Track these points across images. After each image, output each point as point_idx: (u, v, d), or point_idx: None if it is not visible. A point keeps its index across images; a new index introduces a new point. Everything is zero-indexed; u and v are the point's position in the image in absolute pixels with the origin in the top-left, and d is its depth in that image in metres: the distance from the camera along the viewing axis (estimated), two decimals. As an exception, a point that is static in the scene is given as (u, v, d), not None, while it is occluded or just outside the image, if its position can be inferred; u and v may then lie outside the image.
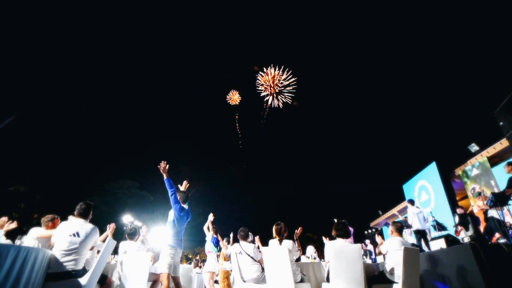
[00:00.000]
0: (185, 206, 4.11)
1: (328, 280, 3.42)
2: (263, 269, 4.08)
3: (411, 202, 7.32)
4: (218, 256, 6.15)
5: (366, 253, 9.13)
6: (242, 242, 4.20)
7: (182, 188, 4.34)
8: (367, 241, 12.63)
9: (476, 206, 9.90)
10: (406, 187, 14.35)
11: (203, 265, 14.25)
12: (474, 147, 10.27)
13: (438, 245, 5.07)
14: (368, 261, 6.76)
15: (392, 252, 3.63)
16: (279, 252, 3.46)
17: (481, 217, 8.02)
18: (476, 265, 3.95)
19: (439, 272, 4.53)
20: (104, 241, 4.62)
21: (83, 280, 2.98)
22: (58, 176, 23.98)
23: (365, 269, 3.61)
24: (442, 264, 4.59)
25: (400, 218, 8.79)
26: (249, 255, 4.00)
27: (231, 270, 8.64)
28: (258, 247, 4.32)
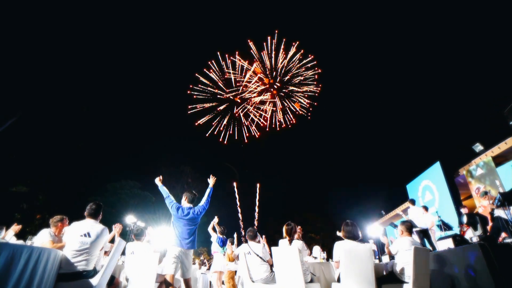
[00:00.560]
0: (189, 205, 4.07)
1: (339, 280, 3.41)
2: (271, 269, 4.07)
3: (412, 201, 7.32)
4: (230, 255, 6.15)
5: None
6: (250, 242, 4.19)
7: (210, 182, 4.31)
8: (371, 241, 12.61)
9: (482, 205, 9.87)
10: (409, 187, 14.33)
11: (207, 265, 14.27)
12: (478, 147, 10.24)
13: (446, 245, 5.04)
14: (375, 261, 6.75)
15: (402, 252, 3.62)
16: (290, 252, 3.45)
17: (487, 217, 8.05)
18: (485, 265, 3.94)
19: (447, 272, 4.51)
20: (111, 241, 4.63)
21: (94, 281, 2.98)
22: (60, 176, 24.01)
23: (375, 269, 3.60)
24: (450, 264, 4.57)
25: (405, 217, 8.77)
26: (258, 255, 4.00)
27: (236, 271, 8.64)
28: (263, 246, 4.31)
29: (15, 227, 5.21)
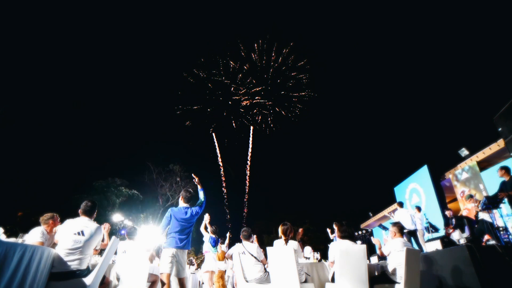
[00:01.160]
0: (186, 205, 4.05)
1: (333, 280, 3.46)
2: (265, 269, 4.09)
3: (400, 204, 7.52)
4: (223, 255, 6.14)
5: None
6: (245, 242, 4.20)
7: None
8: (359, 242, 12.84)
9: (466, 208, 10.20)
10: (397, 189, 14.65)
11: (195, 264, 14.14)
12: (464, 152, 10.57)
13: (434, 246, 5.19)
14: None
15: (394, 253, 3.70)
16: (285, 252, 3.48)
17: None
18: (472, 266, 4.08)
19: (435, 273, 4.64)
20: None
21: (87, 280, 2.92)
22: (45, 173, 23.36)
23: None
24: (438, 264, 4.71)
25: (392, 219, 8.96)
26: (252, 255, 4.01)
27: (225, 270, 8.61)
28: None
29: None
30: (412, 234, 6.30)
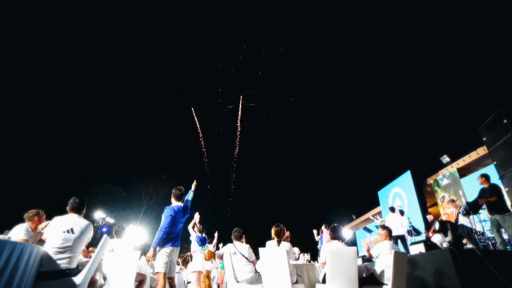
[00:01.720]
0: (179, 204, 4.03)
1: (323, 281, 3.52)
2: (256, 269, 4.11)
3: (392, 209, 7.76)
4: (209, 255, 6.10)
5: None
6: (236, 243, 4.20)
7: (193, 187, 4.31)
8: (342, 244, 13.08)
9: (446, 213, 10.62)
10: (381, 193, 15.04)
11: (180, 264, 13.96)
12: (445, 159, 11.00)
13: (417, 249, 5.38)
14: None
15: (383, 255, 3.81)
16: (278, 253, 3.51)
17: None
18: (454, 269, 4.26)
19: (418, 275, 4.81)
20: None
21: (77, 279, 2.84)
22: (23, 168, 22.39)
23: (355, 271, 3.76)
24: (422, 267, 4.88)
25: (376, 222, 9.21)
26: (243, 256, 4.02)
27: (211, 270, 8.54)
28: None
29: None
30: (401, 238, 6.52)
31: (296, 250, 7.08)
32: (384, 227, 4.11)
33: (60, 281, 2.77)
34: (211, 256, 7.66)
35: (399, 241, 6.82)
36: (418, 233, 7.50)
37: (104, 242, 3.22)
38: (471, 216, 5.99)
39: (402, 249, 6.30)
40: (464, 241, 6.08)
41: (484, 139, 4.95)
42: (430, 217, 8.87)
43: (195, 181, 4.39)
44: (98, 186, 27.76)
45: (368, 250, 4.18)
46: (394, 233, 6.68)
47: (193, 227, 6.31)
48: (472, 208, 5.61)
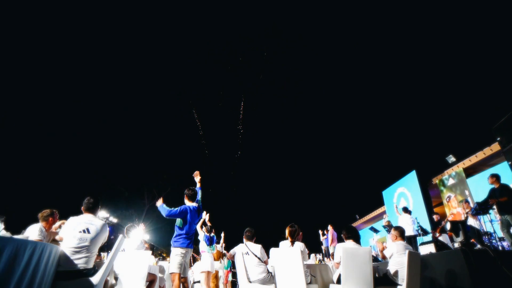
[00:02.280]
0: (193, 204, 4.02)
1: (338, 281, 3.51)
2: (268, 270, 4.10)
3: (405, 209, 7.76)
4: (217, 255, 6.10)
5: None
6: (248, 243, 4.19)
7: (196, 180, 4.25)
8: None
9: (452, 213, 10.59)
10: (385, 193, 15.01)
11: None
12: (451, 159, 10.97)
13: (427, 249, 5.35)
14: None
15: (396, 256, 3.80)
16: (292, 254, 3.50)
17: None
18: (466, 269, 4.24)
19: (429, 276, 4.79)
20: None
21: (94, 279, 2.84)
22: (32, 169, 22.39)
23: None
24: (433, 268, 4.86)
25: (384, 221, 9.18)
26: (256, 256, 4.01)
27: (218, 271, 8.53)
28: None
29: None
30: (413, 239, 6.50)
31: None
32: (396, 227, 4.10)
33: (77, 281, 2.77)
34: (220, 256, 7.67)
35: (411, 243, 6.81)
36: (426, 233, 7.48)
37: (120, 242, 3.22)
38: (479, 217, 5.97)
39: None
40: (471, 241, 6.06)
41: (498, 139, 4.92)
42: (436, 217, 8.86)
43: (198, 174, 4.26)
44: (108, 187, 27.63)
45: (382, 251, 4.17)
46: (406, 233, 6.65)
47: (201, 227, 6.31)
48: (482, 208, 5.58)
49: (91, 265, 2.93)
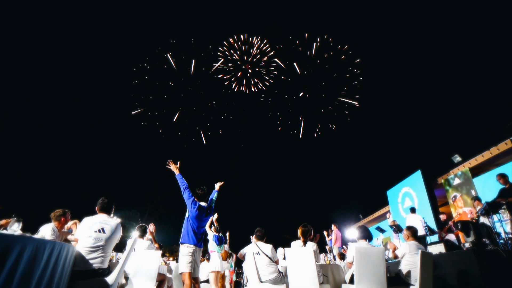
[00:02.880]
0: (203, 204, 4.02)
1: (351, 281, 3.50)
2: (279, 270, 4.09)
3: (413, 210, 7.73)
4: (225, 255, 6.09)
5: (344, 256, 9.39)
6: (259, 243, 4.19)
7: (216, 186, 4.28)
8: (350, 243, 13.05)
9: (458, 213, 10.54)
10: (390, 193, 14.97)
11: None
12: (457, 158, 10.92)
13: (437, 249, 5.33)
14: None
15: (408, 256, 3.78)
16: (305, 254, 3.50)
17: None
18: (478, 269, 4.22)
19: (440, 276, 4.77)
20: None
21: (110, 279, 2.85)
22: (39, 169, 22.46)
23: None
24: (443, 268, 4.84)
25: (389, 221, 9.15)
26: (267, 256, 4.00)
27: (224, 271, 8.53)
28: None
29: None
30: (422, 239, 6.48)
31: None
32: (409, 227, 4.09)
33: (93, 280, 2.77)
34: (227, 256, 7.67)
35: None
36: (433, 232, 7.45)
37: (134, 242, 3.23)
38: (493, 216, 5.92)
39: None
40: (483, 241, 5.99)
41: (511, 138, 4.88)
42: (443, 217, 8.81)
43: (221, 182, 4.32)
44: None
45: (394, 251, 4.15)
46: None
47: (210, 227, 6.31)
48: (491, 208, 5.54)
49: (106, 265, 2.93)
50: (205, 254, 6.58)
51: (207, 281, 6.85)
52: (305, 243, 3.73)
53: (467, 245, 4.68)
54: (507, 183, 5.63)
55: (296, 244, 3.86)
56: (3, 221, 4.10)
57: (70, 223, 3.73)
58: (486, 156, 9.72)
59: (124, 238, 5.06)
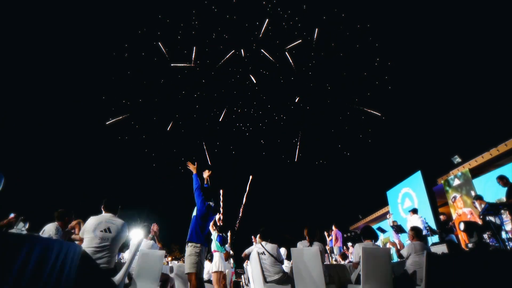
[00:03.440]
0: (211, 203, 4.00)
1: (357, 282, 3.49)
2: (283, 270, 4.08)
3: (414, 211, 7.76)
4: (226, 254, 6.07)
5: (346, 256, 9.39)
6: (264, 242, 4.18)
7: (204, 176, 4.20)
8: (349, 244, 13.06)
9: (457, 213, 10.60)
10: (389, 193, 15.00)
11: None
12: (457, 159, 10.97)
13: (439, 250, 5.34)
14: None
15: (414, 256, 3.78)
16: (311, 253, 3.49)
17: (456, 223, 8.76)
18: (481, 269, 4.23)
19: (444, 276, 4.78)
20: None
21: (116, 279, 2.83)
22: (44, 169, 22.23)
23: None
24: (447, 268, 4.85)
25: (389, 222, 9.17)
26: (272, 256, 3.99)
27: (226, 271, 8.51)
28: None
29: None
30: (424, 239, 6.50)
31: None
32: (413, 227, 4.09)
33: (100, 280, 2.75)
34: (228, 256, 7.64)
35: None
36: (434, 233, 7.48)
37: (140, 242, 3.21)
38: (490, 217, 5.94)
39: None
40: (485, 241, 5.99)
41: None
42: (443, 217, 8.84)
43: (207, 171, 4.20)
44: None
45: (398, 251, 4.15)
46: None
47: (213, 226, 6.28)
48: (493, 209, 5.57)
49: (112, 265, 2.91)
50: (207, 254, 6.56)
51: (208, 281, 6.84)
52: (311, 243, 3.72)
53: (470, 245, 4.70)
54: (507, 184, 5.65)
55: (302, 244, 3.85)
56: (4, 221, 4.07)
57: (73, 223, 3.70)
58: (486, 157, 9.77)
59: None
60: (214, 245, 6.04)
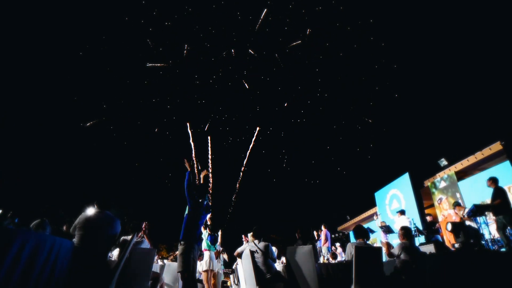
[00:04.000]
0: (204, 201, 3.98)
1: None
2: (276, 268, 4.10)
3: (402, 212, 7.93)
4: (216, 253, 6.06)
5: (336, 255, 9.51)
6: (256, 241, 4.18)
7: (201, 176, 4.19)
8: (337, 244, 13.23)
9: (442, 215, 10.88)
10: (378, 194, 15.27)
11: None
12: (443, 162, 11.26)
13: (427, 250, 5.48)
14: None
15: (403, 255, 3.86)
16: (304, 252, 3.52)
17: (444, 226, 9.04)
18: (467, 269, 4.37)
19: (432, 275, 4.90)
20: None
21: (109, 276, 2.77)
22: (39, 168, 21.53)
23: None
24: (434, 267, 4.98)
25: (376, 222, 9.34)
26: (265, 254, 4.00)
27: (217, 270, 8.48)
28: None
29: None
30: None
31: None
32: (403, 227, 4.18)
33: (92, 277, 2.70)
34: (218, 255, 7.61)
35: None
36: (421, 233, 7.66)
37: (132, 240, 3.16)
38: (475, 219, 6.15)
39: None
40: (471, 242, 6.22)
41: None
42: (429, 218, 9.07)
43: (204, 171, 4.21)
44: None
45: (388, 250, 4.23)
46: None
47: (205, 225, 6.25)
48: (479, 211, 5.75)
49: (105, 262, 2.86)
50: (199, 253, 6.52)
51: (198, 280, 6.80)
52: (304, 243, 3.76)
53: (456, 245, 4.83)
54: (492, 185, 5.84)
55: (296, 244, 3.88)
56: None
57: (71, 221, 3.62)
58: (471, 160, 10.07)
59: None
60: (205, 244, 6.01)
